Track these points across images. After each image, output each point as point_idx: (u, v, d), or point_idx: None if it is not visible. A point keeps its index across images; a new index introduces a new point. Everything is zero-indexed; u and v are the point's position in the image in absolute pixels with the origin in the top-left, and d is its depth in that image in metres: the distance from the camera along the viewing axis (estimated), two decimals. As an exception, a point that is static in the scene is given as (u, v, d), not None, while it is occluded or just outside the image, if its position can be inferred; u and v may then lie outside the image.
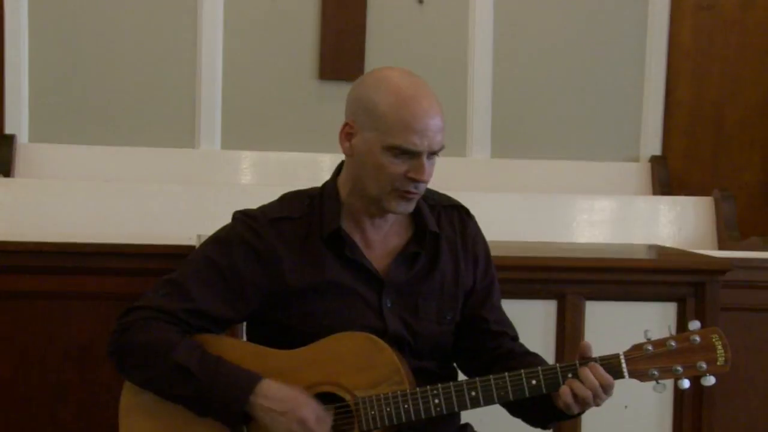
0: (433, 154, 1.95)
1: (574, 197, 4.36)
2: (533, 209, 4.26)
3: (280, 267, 1.96)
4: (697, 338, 1.87)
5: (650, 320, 2.95)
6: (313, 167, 4.48)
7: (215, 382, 1.88)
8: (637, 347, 1.91)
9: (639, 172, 4.79)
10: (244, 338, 2.13)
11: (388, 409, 1.89)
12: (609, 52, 4.80)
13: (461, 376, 2.06)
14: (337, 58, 4.56)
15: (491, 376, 1.90)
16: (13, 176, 4.21)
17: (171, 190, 4.02)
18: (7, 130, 4.34)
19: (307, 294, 1.97)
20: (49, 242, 3.03)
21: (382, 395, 1.90)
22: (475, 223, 2.14)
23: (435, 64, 4.66)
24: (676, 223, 4.40)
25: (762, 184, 4.86)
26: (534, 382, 1.89)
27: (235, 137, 4.55)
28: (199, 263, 2.00)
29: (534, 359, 2.04)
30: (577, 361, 1.91)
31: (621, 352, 1.91)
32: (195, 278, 1.97)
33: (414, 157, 1.91)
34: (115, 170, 4.35)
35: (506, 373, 1.90)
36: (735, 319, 3.22)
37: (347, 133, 1.98)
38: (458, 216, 2.11)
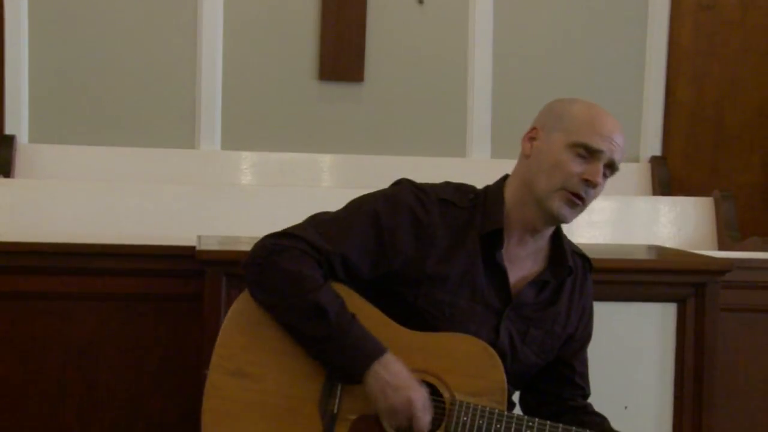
0: (609, 167, 1.99)
1: (574, 197, 4.35)
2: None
3: (432, 247, 1.99)
4: None
5: (650, 320, 2.95)
6: (313, 167, 4.49)
7: (347, 336, 1.90)
8: None
9: (639, 172, 4.79)
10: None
11: (481, 422, 1.92)
12: (609, 52, 4.81)
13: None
14: (337, 58, 4.56)
15: (588, 430, 1.96)
16: (13, 176, 4.21)
17: (171, 190, 4.02)
18: (7, 130, 4.35)
19: (442, 281, 1.99)
20: (49, 242, 3.02)
21: (480, 406, 1.93)
22: (591, 278, 2.21)
23: (435, 64, 4.66)
24: (676, 224, 4.40)
25: (762, 184, 4.86)
26: None
27: (235, 137, 4.56)
28: (363, 213, 2.00)
29: (603, 423, 2.11)
30: None
31: None
32: (356, 225, 1.99)
33: (593, 159, 1.96)
34: (115, 170, 4.35)
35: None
36: (735, 319, 3.22)
37: (531, 137, 2.05)
38: (582, 265, 2.17)
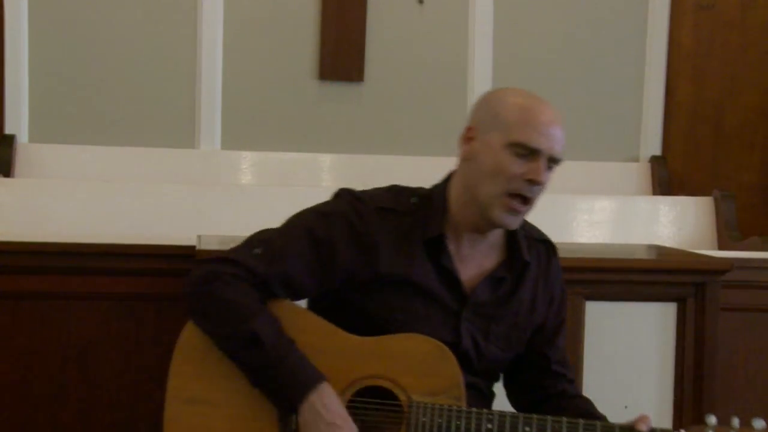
0: (552, 161, 1.95)
1: (574, 197, 4.36)
2: (533, 209, 4.26)
3: (376, 253, 1.97)
4: None
5: (650, 320, 2.95)
6: (313, 167, 4.49)
7: (283, 365, 1.89)
8: (698, 429, 1.91)
9: (639, 172, 4.79)
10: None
11: (440, 420, 1.91)
12: (609, 52, 4.81)
13: (499, 399, 2.09)
14: (337, 58, 4.56)
15: (549, 417, 1.91)
16: (13, 176, 4.20)
17: (171, 190, 4.02)
18: (7, 130, 4.34)
19: (393, 286, 1.98)
20: (50, 242, 3.02)
21: (437, 405, 1.91)
22: (558, 261, 2.16)
23: (435, 64, 4.66)
24: (676, 223, 4.40)
25: (762, 184, 4.86)
26: None
27: (235, 137, 4.56)
28: (297, 231, 1.99)
29: (585, 404, 2.08)
30: (635, 428, 1.92)
31: (683, 429, 1.94)
32: (291, 245, 1.97)
33: (534, 158, 1.92)
34: (115, 170, 4.35)
35: (564, 418, 1.91)
36: (735, 319, 3.22)
37: (468, 138, 1.99)
38: (545, 251, 2.14)
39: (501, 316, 2.05)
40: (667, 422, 2.98)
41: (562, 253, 3.16)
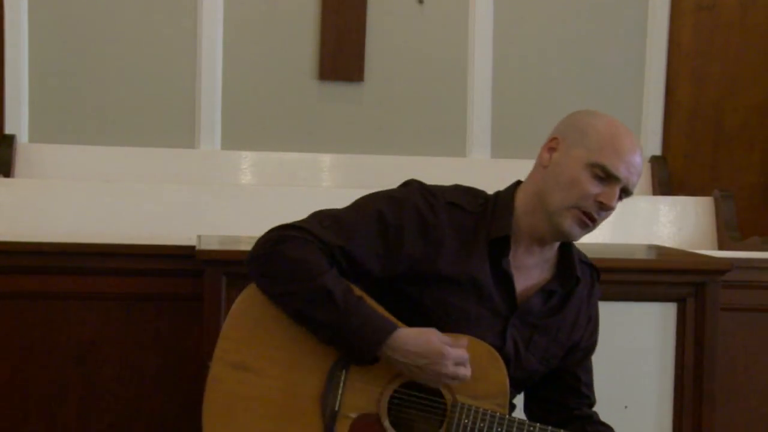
0: (624, 192, 2.00)
1: (574, 197, 4.35)
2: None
3: (440, 248, 1.98)
4: None
5: (650, 320, 2.95)
6: (313, 167, 4.49)
7: (355, 317, 1.89)
8: None
9: (639, 172, 4.78)
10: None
11: (482, 425, 1.93)
12: (609, 52, 4.80)
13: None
14: (337, 58, 4.56)
15: None
16: (13, 176, 4.20)
17: (171, 190, 4.02)
18: (7, 130, 4.34)
19: (450, 283, 1.98)
20: (49, 242, 3.03)
21: (481, 409, 1.93)
22: (599, 287, 2.20)
23: (435, 64, 4.66)
24: (676, 223, 4.40)
25: (762, 184, 4.86)
26: None
27: (235, 137, 4.55)
28: (367, 212, 1.99)
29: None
30: None
31: None
32: (359, 223, 1.97)
33: (610, 183, 1.96)
34: (115, 170, 4.34)
35: None
36: (735, 319, 3.22)
37: (550, 147, 2.02)
38: (590, 273, 2.18)
39: (545, 329, 2.07)
40: (667, 422, 2.99)
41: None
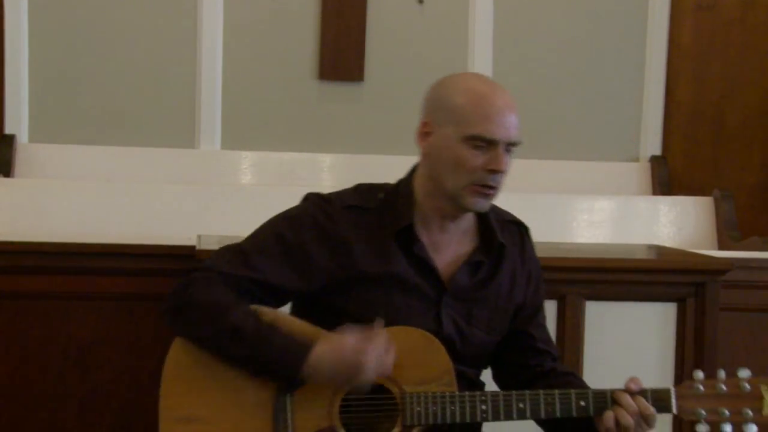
0: (510, 145, 1.96)
1: (574, 197, 4.36)
2: (533, 209, 4.25)
3: (350, 253, 1.98)
4: (747, 386, 1.89)
5: (650, 320, 2.95)
6: (313, 167, 4.49)
7: (271, 346, 1.88)
8: (687, 384, 1.92)
9: (639, 172, 4.79)
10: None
11: (434, 408, 1.91)
12: (609, 52, 4.81)
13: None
14: (337, 58, 4.56)
15: (541, 391, 1.93)
16: (13, 176, 4.21)
17: (171, 190, 4.02)
18: (7, 130, 4.34)
19: (371, 282, 1.98)
20: (49, 242, 3.03)
21: (430, 393, 1.92)
22: (531, 240, 2.17)
23: (435, 64, 4.65)
24: (676, 223, 4.40)
25: (762, 184, 4.86)
26: (582, 403, 1.92)
27: (235, 137, 4.56)
28: (267, 237, 2.01)
29: (575, 380, 2.07)
30: (626, 390, 1.91)
31: (672, 387, 1.92)
32: (262, 250, 1.98)
33: (492, 147, 1.93)
34: (115, 170, 4.35)
35: (556, 391, 1.93)
36: (735, 319, 3.22)
37: (424, 132, 2.00)
38: (518, 232, 2.14)
39: (482, 300, 2.05)
40: (667, 422, 2.99)
41: (561, 253, 3.18)
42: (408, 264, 2.00)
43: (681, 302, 2.94)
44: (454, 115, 1.94)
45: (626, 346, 2.92)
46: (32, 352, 2.98)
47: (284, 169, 4.48)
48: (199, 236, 2.97)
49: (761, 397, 1.90)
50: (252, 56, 4.57)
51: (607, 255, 3.24)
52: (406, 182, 2.06)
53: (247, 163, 4.52)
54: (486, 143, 1.93)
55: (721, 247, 4.27)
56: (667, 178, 4.74)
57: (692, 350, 2.93)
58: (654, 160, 4.78)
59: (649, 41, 4.81)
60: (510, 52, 4.73)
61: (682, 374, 2.91)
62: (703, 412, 1.90)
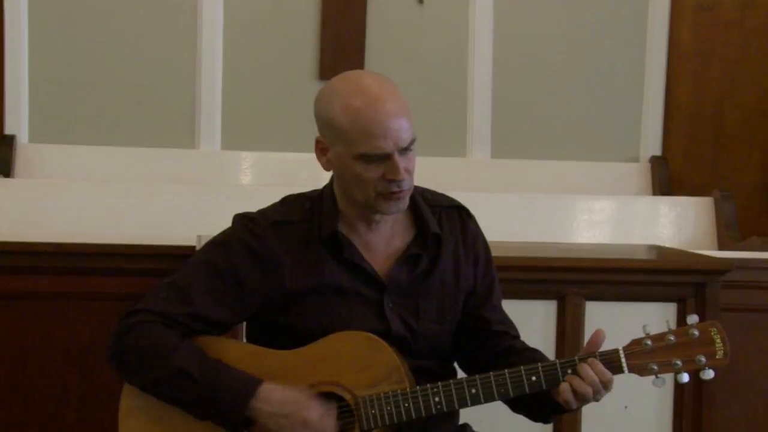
0: (404, 150, 1.92)
1: (574, 197, 4.36)
2: (533, 209, 4.26)
3: (280, 270, 1.97)
4: (696, 332, 1.89)
5: (650, 320, 2.92)
6: (313, 167, 4.40)
7: (216, 387, 1.88)
8: (636, 342, 1.91)
9: (639, 172, 4.79)
10: (244, 338, 2.13)
11: (389, 408, 1.90)
12: (609, 52, 4.80)
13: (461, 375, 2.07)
14: (337, 58, 4.56)
15: (491, 373, 1.91)
16: (13, 176, 4.21)
17: (171, 190, 4.02)
18: (7, 130, 4.34)
19: (306, 296, 1.97)
20: (49, 242, 3.03)
21: (382, 394, 1.90)
22: (475, 223, 2.14)
23: (435, 64, 4.66)
24: (676, 224, 4.40)
25: (762, 184, 4.87)
26: (534, 378, 1.89)
27: (235, 137, 4.55)
28: (199, 267, 2.01)
29: (533, 354, 2.04)
30: (576, 357, 1.91)
31: (620, 347, 1.91)
32: (195, 282, 1.98)
33: (385, 159, 1.90)
34: (115, 170, 4.35)
35: (506, 370, 1.90)
36: (735, 319, 3.21)
37: (321, 149, 1.99)
38: (458, 216, 2.11)
39: (427, 292, 2.03)
40: (667, 422, 2.99)
41: (561, 253, 3.18)
42: (343, 270, 1.99)
43: (681, 302, 2.95)
44: (339, 135, 1.91)
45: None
46: (32, 352, 2.98)
47: (284, 170, 4.48)
48: (199, 236, 2.97)
49: (712, 341, 1.89)
50: (252, 56, 4.57)
51: (607, 255, 3.24)
52: (329, 188, 2.05)
53: (247, 164, 4.52)
54: (377, 157, 1.90)
55: (721, 248, 4.27)
56: (667, 179, 4.74)
57: (692, 350, 2.92)
58: (654, 160, 4.78)
59: (649, 42, 4.81)
60: (510, 52, 4.72)
61: (682, 374, 2.91)
62: (655, 367, 1.90)
